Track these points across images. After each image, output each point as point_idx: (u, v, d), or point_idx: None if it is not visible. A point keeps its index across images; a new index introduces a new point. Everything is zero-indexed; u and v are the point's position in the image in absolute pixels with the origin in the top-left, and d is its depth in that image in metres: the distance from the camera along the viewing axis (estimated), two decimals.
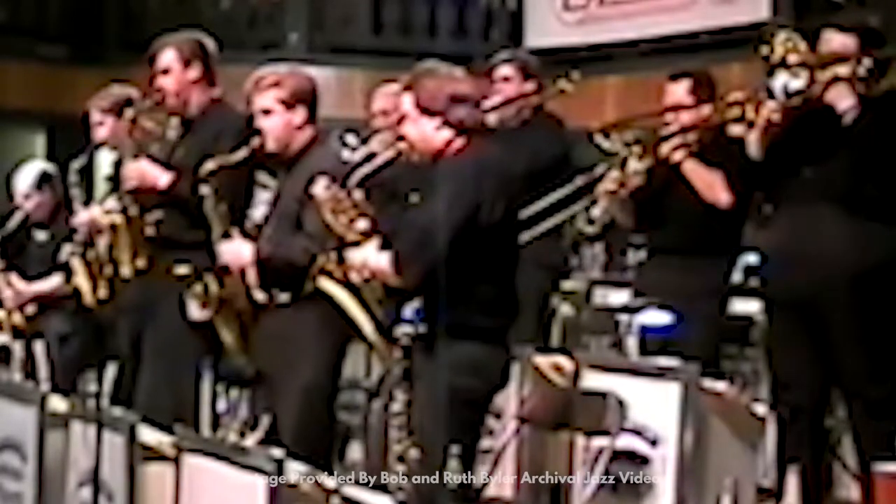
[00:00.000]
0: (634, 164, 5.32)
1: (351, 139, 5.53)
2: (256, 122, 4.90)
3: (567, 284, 6.58)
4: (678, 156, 5.40)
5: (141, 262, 5.35)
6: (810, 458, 4.84)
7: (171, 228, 5.34)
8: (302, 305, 4.77)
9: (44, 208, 6.90)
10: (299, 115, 4.87)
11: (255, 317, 4.93)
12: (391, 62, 9.72)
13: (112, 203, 5.50)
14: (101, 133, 6.07)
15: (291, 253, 4.77)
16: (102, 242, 5.64)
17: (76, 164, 6.13)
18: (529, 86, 6.21)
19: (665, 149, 5.39)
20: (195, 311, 5.02)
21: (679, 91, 5.54)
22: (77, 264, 5.97)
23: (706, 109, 5.42)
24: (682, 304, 5.31)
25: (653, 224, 5.62)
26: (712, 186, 5.38)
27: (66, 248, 6.09)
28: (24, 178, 6.97)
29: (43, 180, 6.93)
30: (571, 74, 6.23)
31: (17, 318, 6.82)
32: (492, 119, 6.03)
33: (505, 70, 6.23)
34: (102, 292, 5.68)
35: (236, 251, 4.86)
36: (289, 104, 4.86)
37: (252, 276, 4.81)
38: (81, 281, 5.93)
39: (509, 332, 4.17)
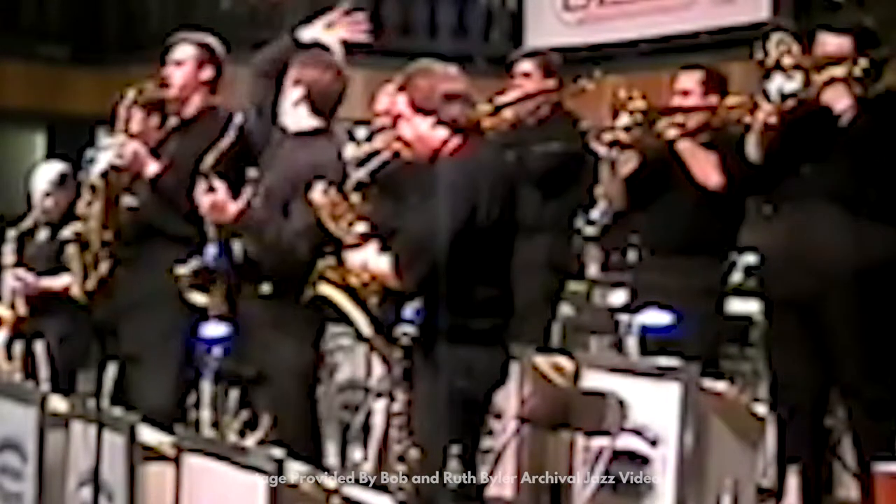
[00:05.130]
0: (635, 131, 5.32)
1: (360, 133, 5.54)
2: None
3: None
4: (673, 133, 5.40)
5: (108, 235, 5.38)
6: (810, 458, 4.84)
7: (155, 218, 5.36)
8: (280, 296, 4.77)
9: (60, 208, 6.91)
10: (296, 94, 4.92)
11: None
12: (391, 62, 9.71)
13: (95, 177, 5.50)
14: (130, 127, 6.05)
15: (279, 241, 4.76)
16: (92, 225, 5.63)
17: (91, 152, 6.11)
18: (550, 83, 6.20)
19: (662, 124, 5.39)
20: (198, 299, 4.99)
21: (689, 81, 5.54)
22: (73, 251, 5.97)
23: (713, 100, 5.43)
24: (680, 304, 5.31)
25: (645, 206, 5.61)
26: (704, 166, 5.37)
27: (65, 232, 6.09)
28: (44, 177, 6.98)
29: (62, 180, 6.95)
30: (594, 73, 6.22)
31: (12, 315, 6.80)
32: (509, 114, 6.04)
33: (525, 66, 6.23)
34: (90, 284, 5.68)
35: (221, 206, 4.83)
36: (295, 81, 4.93)
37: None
38: (74, 269, 5.93)
39: (506, 331, 4.16)
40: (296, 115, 4.95)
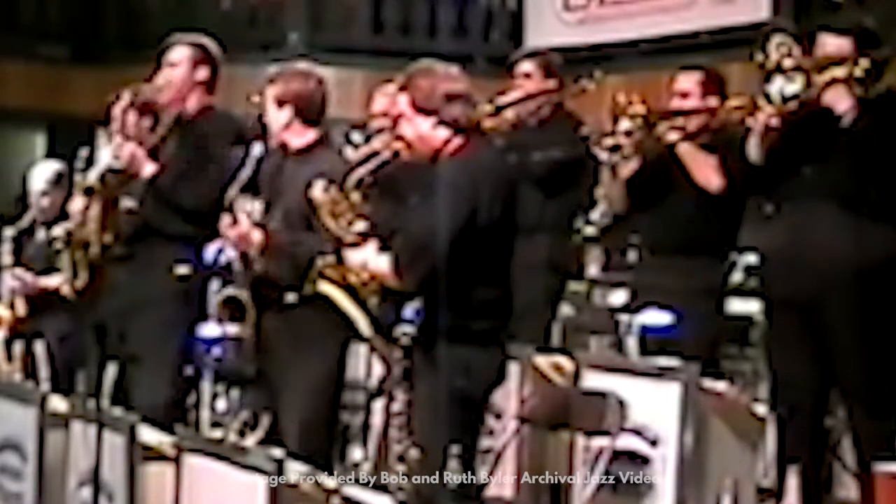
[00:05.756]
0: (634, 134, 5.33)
1: (356, 136, 5.54)
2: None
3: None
4: (674, 136, 5.40)
5: (108, 238, 5.39)
6: (810, 458, 4.84)
7: (153, 218, 5.37)
8: (307, 305, 4.77)
9: (56, 207, 6.91)
10: (285, 115, 4.90)
11: (259, 314, 4.91)
12: (391, 62, 9.71)
13: (93, 178, 5.52)
14: (126, 129, 6.04)
15: (307, 253, 4.76)
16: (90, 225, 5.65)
17: (84, 152, 6.12)
18: (550, 83, 6.20)
19: (662, 128, 5.39)
20: (230, 329, 4.97)
21: (688, 82, 5.55)
22: (62, 250, 5.98)
23: (712, 101, 5.43)
24: (680, 304, 5.31)
25: (645, 207, 5.61)
26: (704, 168, 5.37)
27: (56, 231, 6.09)
28: (40, 176, 6.97)
29: (58, 179, 6.94)
30: (595, 74, 6.21)
31: (11, 314, 6.80)
32: (510, 115, 6.04)
33: (526, 66, 6.22)
34: (80, 282, 5.71)
35: (246, 236, 4.83)
36: (279, 103, 4.91)
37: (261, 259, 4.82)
38: (64, 268, 5.94)
39: (505, 332, 4.17)
40: (291, 134, 4.93)
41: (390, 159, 4.41)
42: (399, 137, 4.27)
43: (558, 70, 6.27)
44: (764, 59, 4.68)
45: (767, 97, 4.69)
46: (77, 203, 5.94)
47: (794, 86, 4.64)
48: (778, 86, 4.66)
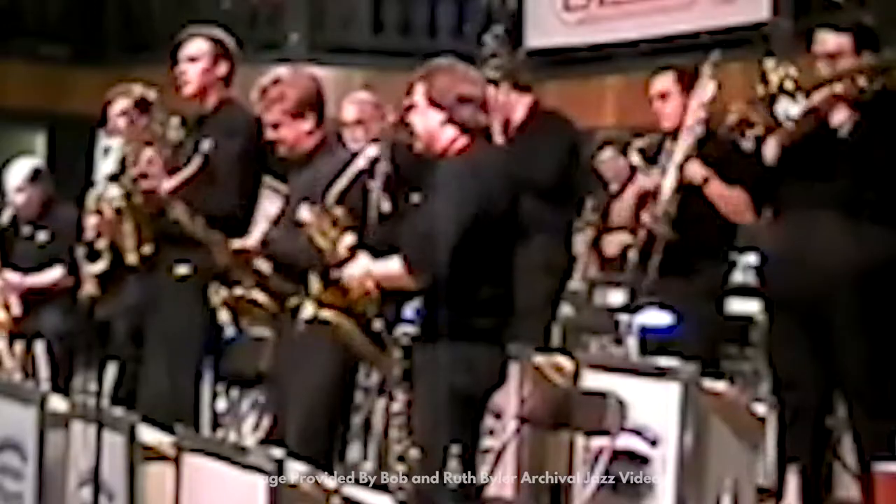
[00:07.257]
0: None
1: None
2: (267, 135, 4.91)
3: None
4: (699, 175, 5.37)
5: (147, 249, 5.37)
6: (810, 458, 4.84)
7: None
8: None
9: (34, 204, 6.90)
10: (309, 122, 4.87)
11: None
12: (391, 62, 9.74)
13: (115, 191, 5.51)
14: (119, 123, 6.03)
15: (293, 253, 4.75)
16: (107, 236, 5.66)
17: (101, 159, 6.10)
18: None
19: (688, 172, 5.35)
20: (233, 329, 4.97)
21: (665, 82, 5.56)
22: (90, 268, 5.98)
23: (694, 101, 5.44)
24: (680, 304, 5.31)
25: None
26: (738, 209, 5.29)
27: (79, 252, 6.09)
28: (16, 173, 6.96)
29: (34, 176, 6.93)
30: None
31: (5, 315, 6.80)
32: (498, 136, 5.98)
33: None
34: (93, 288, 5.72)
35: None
36: (296, 114, 4.86)
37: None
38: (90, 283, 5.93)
39: (506, 330, 4.17)
40: (310, 139, 4.89)
41: (367, 169, 4.42)
42: (410, 130, 4.29)
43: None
44: (764, 87, 4.67)
45: (775, 120, 4.68)
46: (92, 219, 5.92)
47: (797, 107, 4.64)
48: (783, 108, 4.65)
